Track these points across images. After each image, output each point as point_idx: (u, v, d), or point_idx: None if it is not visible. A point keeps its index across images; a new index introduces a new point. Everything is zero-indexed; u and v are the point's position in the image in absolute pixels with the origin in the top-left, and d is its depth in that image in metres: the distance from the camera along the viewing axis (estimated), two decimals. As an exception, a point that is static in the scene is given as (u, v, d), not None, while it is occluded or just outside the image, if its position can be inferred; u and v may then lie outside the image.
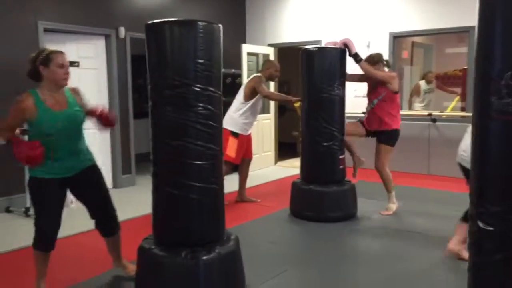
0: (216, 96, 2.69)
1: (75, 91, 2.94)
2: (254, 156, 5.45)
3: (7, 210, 4.84)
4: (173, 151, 2.62)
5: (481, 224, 1.45)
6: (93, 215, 2.97)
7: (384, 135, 4.50)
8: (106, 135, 5.83)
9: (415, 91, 7.82)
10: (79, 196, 2.96)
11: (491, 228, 1.42)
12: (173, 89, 2.57)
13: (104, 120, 2.98)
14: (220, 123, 2.78)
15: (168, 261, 2.63)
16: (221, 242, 2.77)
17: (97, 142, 5.37)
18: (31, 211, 4.65)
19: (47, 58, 2.71)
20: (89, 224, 3.03)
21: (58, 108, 2.75)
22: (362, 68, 4.41)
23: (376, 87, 4.52)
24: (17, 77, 5.00)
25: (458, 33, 6.85)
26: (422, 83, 7.81)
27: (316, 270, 3.30)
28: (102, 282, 3.11)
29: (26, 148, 2.66)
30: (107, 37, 5.96)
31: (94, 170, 2.96)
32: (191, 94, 2.57)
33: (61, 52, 2.82)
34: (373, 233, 4.11)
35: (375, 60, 4.55)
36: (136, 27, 6.12)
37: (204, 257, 2.62)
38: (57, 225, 2.80)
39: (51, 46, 5.39)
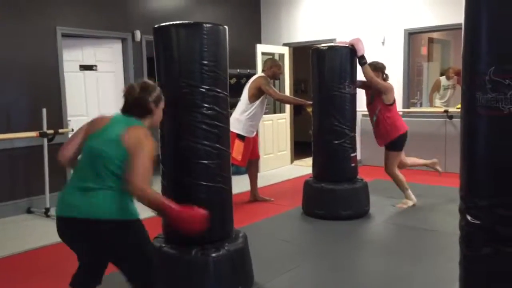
0: (222, 96, 2.75)
1: None
2: (270, 156, 5.49)
3: (28, 211, 5.01)
4: (180, 151, 2.70)
5: (469, 218, 1.47)
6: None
7: (391, 144, 4.60)
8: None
9: (435, 87, 7.74)
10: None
11: (478, 222, 1.45)
12: (180, 90, 2.64)
13: None
14: (227, 123, 2.84)
15: (179, 258, 2.71)
16: (229, 240, 2.83)
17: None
18: (51, 212, 4.81)
19: (160, 97, 2.27)
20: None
21: None
22: (364, 71, 4.43)
23: (374, 99, 4.56)
24: (36, 83, 5.20)
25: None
26: (443, 79, 7.71)
27: (326, 266, 3.33)
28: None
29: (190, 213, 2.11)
30: (123, 41, 6.09)
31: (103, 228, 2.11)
32: (197, 95, 2.65)
33: None
34: (385, 230, 4.12)
35: (377, 67, 4.56)
36: (152, 30, 6.24)
37: (214, 254, 2.68)
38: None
39: (69, 51, 5.62)
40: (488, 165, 1.43)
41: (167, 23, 2.72)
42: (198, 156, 2.69)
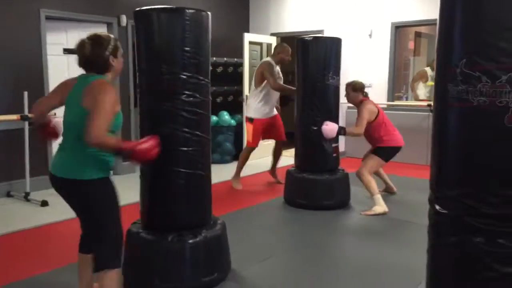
0: (203, 83, 2.74)
1: None
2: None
3: (8, 195, 4.96)
4: (160, 137, 2.68)
5: (438, 207, 1.50)
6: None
7: (381, 150, 4.47)
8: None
9: (420, 76, 7.68)
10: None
11: (446, 211, 1.47)
12: (160, 76, 2.63)
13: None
14: (207, 110, 2.83)
15: (155, 244, 2.71)
16: (207, 227, 2.84)
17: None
18: (31, 196, 4.77)
19: (116, 47, 2.29)
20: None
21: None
22: (349, 134, 4.39)
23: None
24: (18, 66, 5.12)
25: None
26: (428, 70, 7.71)
27: (305, 255, 3.37)
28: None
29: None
30: (109, 25, 6.01)
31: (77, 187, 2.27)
32: (178, 82, 2.63)
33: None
34: (365, 220, 4.16)
35: (356, 88, 4.43)
36: (137, 16, 6.18)
37: (190, 241, 2.69)
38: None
39: (53, 34, 5.53)
40: (457, 156, 1.46)
41: (148, 7, 2.68)
42: (178, 143, 2.68)
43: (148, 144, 2.25)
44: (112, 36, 2.35)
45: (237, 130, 7.17)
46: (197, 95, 2.70)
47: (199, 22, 2.70)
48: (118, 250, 2.34)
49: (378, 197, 4.35)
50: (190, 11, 2.65)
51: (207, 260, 2.77)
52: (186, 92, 2.65)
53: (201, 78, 2.73)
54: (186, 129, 2.68)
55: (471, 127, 1.41)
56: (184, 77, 2.64)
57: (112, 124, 2.17)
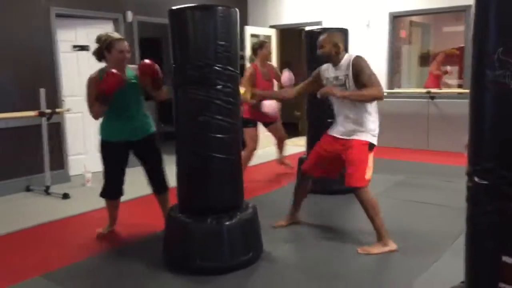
0: (235, 74, 2.92)
1: (136, 69, 3.37)
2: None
3: (28, 189, 5.09)
4: (196, 125, 2.86)
5: (476, 179, 1.71)
6: (148, 174, 3.53)
7: None
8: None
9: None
10: (139, 157, 3.50)
11: (485, 182, 1.69)
12: (196, 69, 2.80)
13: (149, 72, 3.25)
14: (238, 99, 3.01)
15: (195, 226, 2.89)
16: (241, 210, 3.03)
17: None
18: (51, 190, 4.91)
19: (110, 44, 3.23)
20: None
21: None
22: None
23: None
24: (31, 63, 5.22)
25: (455, 12, 7.05)
26: None
27: (325, 236, 3.57)
28: (136, 247, 3.38)
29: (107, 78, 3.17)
30: (114, 21, 6.13)
31: (152, 137, 3.48)
32: (213, 73, 2.81)
33: (123, 39, 3.31)
34: (379, 202, 4.38)
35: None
36: (143, 11, 6.30)
37: (227, 223, 2.88)
38: (119, 178, 3.48)
39: (63, 32, 5.63)
40: (494, 133, 1.67)
41: (182, 6, 2.84)
42: (213, 130, 2.86)
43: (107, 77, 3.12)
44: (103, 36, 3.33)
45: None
46: (230, 85, 2.88)
47: (229, 18, 2.87)
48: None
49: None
50: (221, 8, 2.82)
51: (243, 241, 2.96)
52: (221, 83, 2.83)
53: (233, 69, 2.90)
54: (220, 117, 2.86)
55: (506, 107, 1.62)
56: (219, 69, 2.81)
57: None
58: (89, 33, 5.93)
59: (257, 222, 3.12)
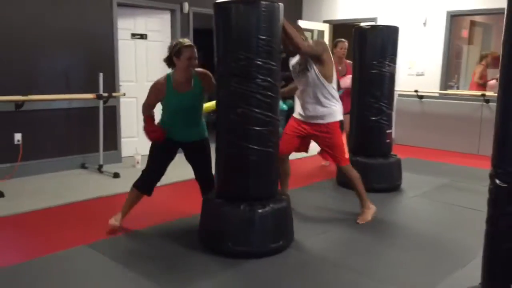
0: (275, 69, 3.01)
1: (201, 75, 3.39)
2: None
3: (83, 166, 5.45)
4: (236, 117, 2.99)
5: (498, 182, 1.73)
6: (197, 176, 3.56)
7: None
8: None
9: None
10: (189, 160, 3.55)
11: (505, 185, 1.70)
12: (238, 62, 2.92)
13: None
14: (278, 94, 3.11)
15: (229, 212, 3.04)
16: (274, 199, 3.14)
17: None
18: (104, 168, 5.24)
19: (179, 51, 3.26)
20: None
21: (183, 90, 3.31)
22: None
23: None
24: (92, 49, 5.56)
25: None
26: None
27: (356, 230, 3.62)
28: (173, 227, 3.59)
29: (149, 129, 3.40)
30: (172, 12, 6.38)
31: (204, 143, 3.52)
32: (253, 67, 2.91)
33: (192, 46, 3.30)
34: (415, 203, 4.36)
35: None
36: (199, 2, 6.51)
37: (260, 210, 3.00)
38: (158, 175, 3.51)
39: (123, 20, 5.94)
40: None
41: (227, 0, 2.96)
42: (251, 123, 2.98)
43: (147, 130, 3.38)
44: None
45: (289, 114, 7.39)
46: (270, 79, 2.98)
47: (272, 13, 2.96)
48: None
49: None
50: (265, 2, 2.91)
51: (274, 229, 3.08)
52: (261, 77, 2.93)
53: (273, 64, 3.00)
54: (259, 110, 2.97)
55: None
56: (259, 63, 2.92)
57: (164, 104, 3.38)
58: (147, 22, 6.23)
59: (289, 212, 3.22)
